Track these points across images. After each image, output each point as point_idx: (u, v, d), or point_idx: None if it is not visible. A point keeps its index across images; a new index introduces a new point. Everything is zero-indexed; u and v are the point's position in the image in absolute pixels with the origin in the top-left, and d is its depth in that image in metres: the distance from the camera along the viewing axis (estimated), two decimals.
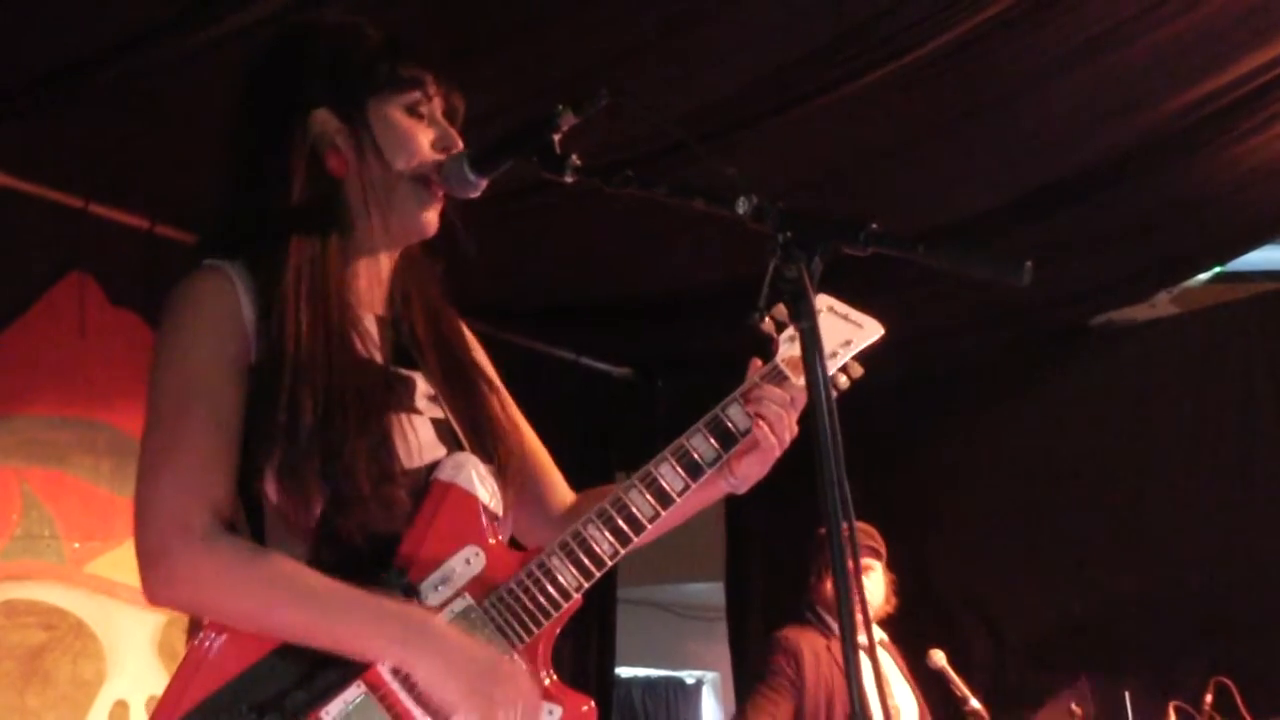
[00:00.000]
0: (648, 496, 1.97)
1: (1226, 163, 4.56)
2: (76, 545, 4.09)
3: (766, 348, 2.13)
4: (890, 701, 4.73)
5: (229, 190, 2.00)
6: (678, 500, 1.98)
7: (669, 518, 2.00)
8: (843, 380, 2.18)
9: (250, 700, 1.77)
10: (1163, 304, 5.96)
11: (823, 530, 5.11)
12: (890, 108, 4.02)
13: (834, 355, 2.15)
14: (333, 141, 1.96)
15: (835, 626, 4.69)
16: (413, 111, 1.99)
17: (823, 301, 2.15)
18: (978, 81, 3.96)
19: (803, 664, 4.67)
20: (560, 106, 1.86)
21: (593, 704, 1.90)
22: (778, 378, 2.08)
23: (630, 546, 1.96)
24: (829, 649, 4.68)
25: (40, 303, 4.04)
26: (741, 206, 1.74)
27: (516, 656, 1.86)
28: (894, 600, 4.90)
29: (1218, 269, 5.87)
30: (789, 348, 2.09)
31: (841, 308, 2.17)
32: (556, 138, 1.88)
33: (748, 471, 2.07)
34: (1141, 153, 4.46)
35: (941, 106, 4.08)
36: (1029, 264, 1.62)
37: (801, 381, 2.07)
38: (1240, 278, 6.06)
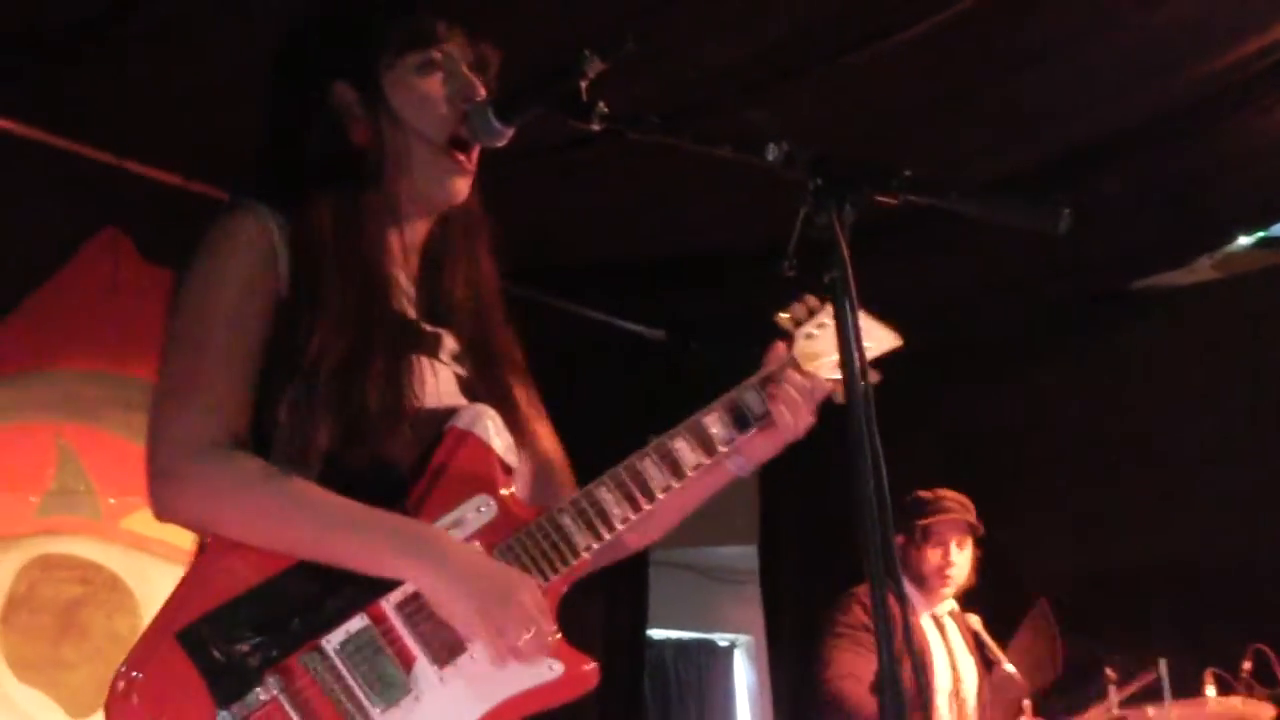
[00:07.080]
0: (663, 467, 1.98)
1: (1269, 126, 4.49)
2: (112, 500, 4.11)
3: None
4: (958, 670, 4.69)
5: (261, 149, 2.03)
6: (690, 474, 1.99)
7: (678, 496, 2.01)
8: None
9: (253, 619, 1.77)
10: (1204, 269, 5.89)
11: (920, 494, 5.01)
12: (927, 64, 3.96)
13: None
14: (353, 112, 1.98)
15: (913, 596, 4.66)
16: (427, 69, 1.99)
17: None
18: (1017, 38, 3.89)
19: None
20: (586, 52, 1.84)
21: (595, 665, 1.89)
22: (797, 367, 2.08)
23: (640, 515, 1.96)
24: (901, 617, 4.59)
25: (74, 259, 4.05)
26: (771, 153, 1.73)
27: (531, 579, 1.85)
28: (973, 578, 4.84)
29: (1261, 234, 5.79)
30: (804, 344, 2.10)
31: (863, 319, 2.15)
32: (583, 84, 1.86)
33: (755, 452, 2.09)
34: (1183, 115, 4.40)
35: (979, 64, 4.02)
36: (1066, 210, 1.58)
37: (822, 374, 2.08)
38: None
